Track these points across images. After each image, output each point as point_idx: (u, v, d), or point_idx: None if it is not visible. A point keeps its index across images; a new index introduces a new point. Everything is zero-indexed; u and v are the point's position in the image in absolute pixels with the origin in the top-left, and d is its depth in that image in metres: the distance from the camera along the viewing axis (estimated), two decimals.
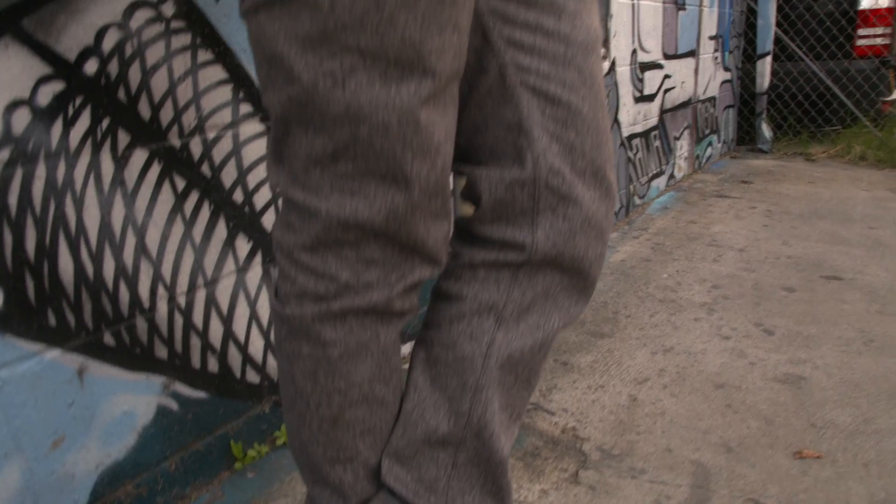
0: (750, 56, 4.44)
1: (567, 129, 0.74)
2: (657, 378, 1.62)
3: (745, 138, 4.64)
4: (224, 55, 1.16)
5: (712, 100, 3.93)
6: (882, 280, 2.22)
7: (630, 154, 2.78)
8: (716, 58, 3.89)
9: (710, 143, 3.96)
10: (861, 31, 4.42)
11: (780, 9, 4.40)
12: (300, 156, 0.66)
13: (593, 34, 0.76)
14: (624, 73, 2.63)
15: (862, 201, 3.20)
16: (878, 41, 4.41)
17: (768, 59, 4.23)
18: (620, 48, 2.58)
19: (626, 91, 2.67)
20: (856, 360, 1.69)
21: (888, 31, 4.38)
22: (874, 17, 4.33)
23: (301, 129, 0.65)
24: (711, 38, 3.72)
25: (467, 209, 0.79)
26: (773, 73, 4.40)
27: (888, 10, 4.37)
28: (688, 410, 1.48)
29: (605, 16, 2.46)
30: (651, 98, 2.95)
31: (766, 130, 4.38)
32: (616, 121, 2.61)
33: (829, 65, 4.41)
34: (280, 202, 0.79)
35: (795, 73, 4.44)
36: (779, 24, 4.35)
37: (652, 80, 2.94)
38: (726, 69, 4.16)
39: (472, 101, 0.76)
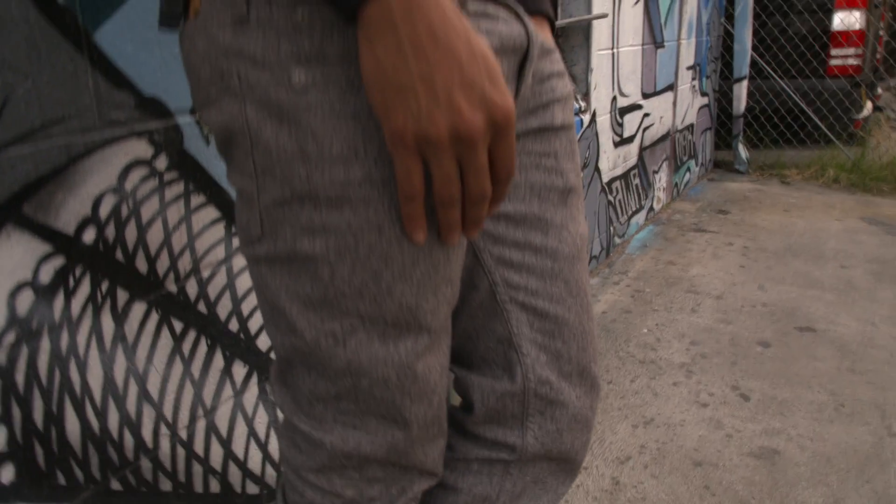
0: (727, 77, 4.51)
1: (554, 340, 0.79)
2: (638, 456, 1.69)
3: (722, 160, 4.72)
4: (216, 195, 1.19)
5: (690, 127, 4.00)
6: (853, 331, 2.30)
7: (610, 198, 2.84)
8: (693, 86, 3.95)
9: (687, 169, 4.03)
10: (834, 52, 4.51)
11: (755, 30, 4.47)
12: (303, 391, 0.70)
13: (579, 242, 0.81)
14: (604, 121, 2.68)
15: (835, 234, 3.28)
16: (850, 62, 4.50)
17: (744, 83, 4.30)
18: (601, 99, 2.62)
19: (606, 139, 2.72)
20: (827, 430, 1.77)
21: (860, 51, 4.47)
22: (846, 38, 4.42)
23: (304, 370, 0.69)
24: (689, 68, 3.78)
25: (457, 398, 0.84)
26: (749, 95, 4.47)
27: (859, 31, 4.45)
28: (668, 495, 1.55)
29: (586, 69, 2.50)
30: (630, 140, 3.01)
31: (742, 152, 4.46)
32: (596, 169, 2.67)
33: (804, 84, 4.49)
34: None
35: (770, 94, 4.52)
36: (754, 48, 4.42)
37: (631, 122, 2.99)
38: (703, 94, 4.22)
39: (464, 313, 0.80)
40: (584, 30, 2.45)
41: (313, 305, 0.64)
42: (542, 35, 0.76)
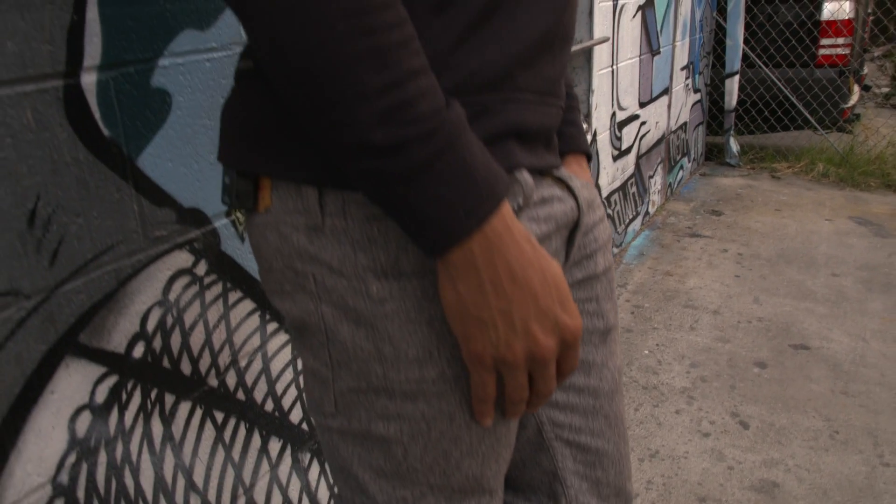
0: (719, 72, 4.53)
1: (595, 469, 0.86)
2: (645, 493, 1.77)
3: (714, 151, 4.77)
4: (250, 289, 1.23)
5: (683, 125, 4.03)
6: (845, 348, 2.39)
7: (609, 211, 2.89)
8: (687, 84, 3.98)
9: (681, 167, 4.08)
10: (823, 41, 4.54)
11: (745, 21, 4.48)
12: None
13: (617, 376, 0.87)
14: (604, 138, 2.71)
15: (826, 237, 3.37)
16: (839, 51, 4.54)
17: (736, 77, 4.33)
18: (601, 117, 2.65)
19: (605, 155, 2.76)
20: (823, 459, 1.86)
21: (848, 41, 4.50)
22: (835, 28, 4.44)
23: None
24: (683, 68, 3.80)
25: None
26: (740, 86, 4.50)
27: (848, 21, 4.48)
28: None
29: (588, 90, 2.53)
30: (628, 151, 3.05)
31: (733, 145, 4.51)
32: (596, 186, 2.71)
33: (793, 73, 4.53)
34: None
35: (759, 84, 4.56)
36: (746, 41, 4.43)
37: (629, 134, 3.03)
38: (696, 91, 4.25)
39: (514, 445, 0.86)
40: (586, 51, 2.47)
41: (385, 476, 0.69)
42: (587, 189, 0.81)
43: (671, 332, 2.54)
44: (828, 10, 4.47)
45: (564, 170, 0.77)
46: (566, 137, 0.87)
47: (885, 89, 8.58)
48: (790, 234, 3.42)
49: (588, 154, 0.89)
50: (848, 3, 4.47)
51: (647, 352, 2.42)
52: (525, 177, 0.68)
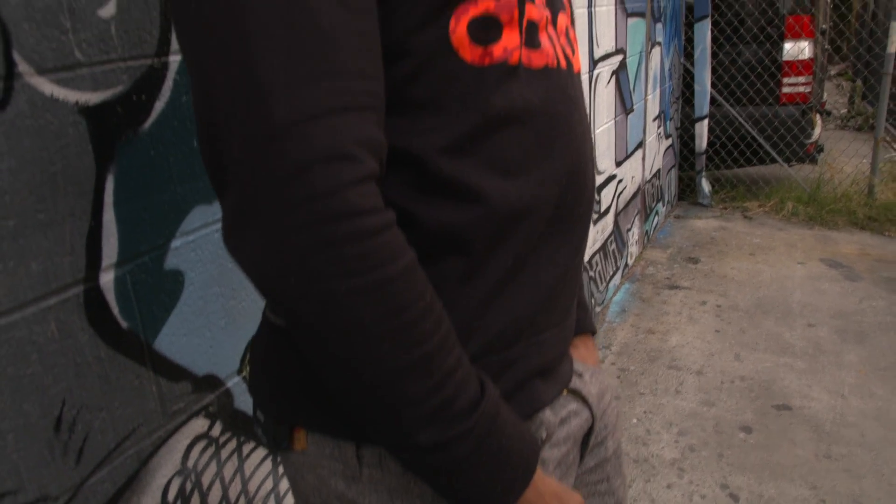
0: (689, 114, 4.65)
1: None
2: None
3: (687, 191, 4.88)
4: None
5: (657, 173, 4.13)
6: (825, 406, 2.47)
7: (591, 274, 2.96)
8: (659, 133, 4.08)
9: (656, 213, 4.17)
10: (786, 80, 4.68)
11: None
12: None
13: (625, 483, 0.92)
14: None
15: (799, 283, 3.47)
16: (801, 89, 4.68)
17: (705, 121, 4.45)
18: None
19: None
20: None
21: (809, 79, 4.65)
22: (796, 68, 4.59)
23: None
24: (655, 118, 3.90)
25: None
26: (709, 127, 4.62)
27: (809, 60, 4.63)
28: None
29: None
30: (607, 212, 3.12)
31: (705, 186, 4.62)
32: None
33: (759, 111, 4.66)
34: None
35: (726, 124, 4.68)
36: (713, 84, 4.56)
37: (607, 195, 3.11)
38: (668, 136, 4.36)
39: None
40: None
41: None
42: (597, 381, 0.86)
43: (657, 398, 2.61)
44: (788, 51, 4.62)
45: (577, 379, 0.82)
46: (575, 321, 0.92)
47: (843, 110, 8.84)
48: (765, 282, 3.52)
49: (594, 331, 0.94)
50: (807, 43, 4.63)
51: (635, 420, 2.48)
52: (547, 416, 0.73)
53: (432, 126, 0.62)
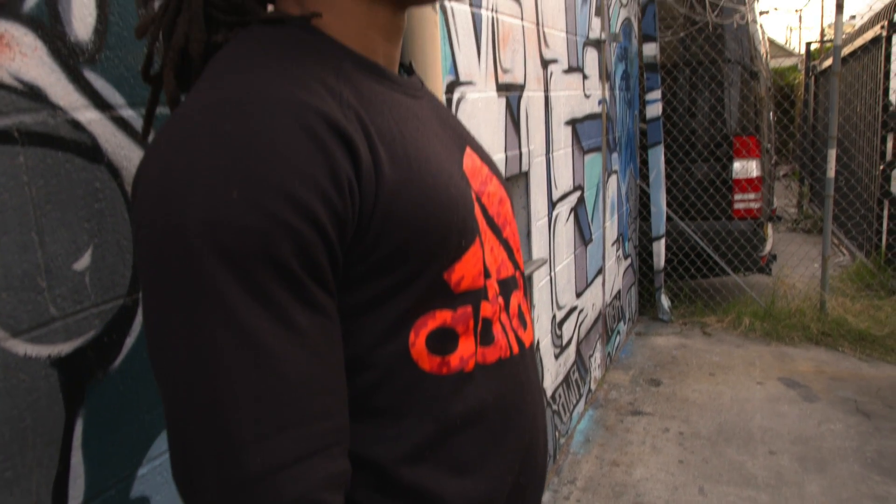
0: (646, 232, 4.83)
1: None
2: None
3: (647, 306, 5.02)
4: None
5: (618, 294, 4.25)
6: None
7: (555, 407, 2.99)
8: (619, 256, 4.22)
9: (617, 333, 4.27)
10: (737, 197, 4.92)
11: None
12: None
13: None
14: (546, 343, 2.85)
15: (759, 406, 3.55)
16: (752, 205, 4.91)
17: (662, 240, 4.62)
18: (542, 326, 2.79)
19: (548, 357, 2.89)
20: None
21: (759, 195, 4.89)
22: (745, 186, 4.84)
23: None
24: (614, 243, 4.05)
25: None
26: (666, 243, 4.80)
27: (758, 178, 4.88)
28: None
29: (529, 306, 2.67)
30: (569, 343, 3.19)
31: (665, 302, 4.76)
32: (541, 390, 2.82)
33: (713, 226, 4.87)
34: None
35: (683, 241, 4.87)
36: (668, 204, 4.76)
37: (568, 327, 3.18)
38: (626, 257, 4.51)
39: None
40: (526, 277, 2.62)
41: None
42: None
43: None
44: (737, 171, 4.87)
45: None
46: None
47: (793, 209, 9.24)
48: (726, 405, 3.59)
49: None
50: (754, 162, 4.89)
51: None
52: None
53: (394, 434, 0.68)
